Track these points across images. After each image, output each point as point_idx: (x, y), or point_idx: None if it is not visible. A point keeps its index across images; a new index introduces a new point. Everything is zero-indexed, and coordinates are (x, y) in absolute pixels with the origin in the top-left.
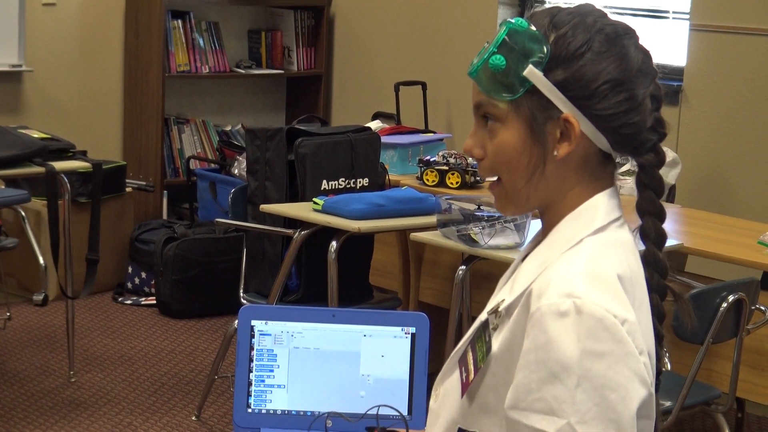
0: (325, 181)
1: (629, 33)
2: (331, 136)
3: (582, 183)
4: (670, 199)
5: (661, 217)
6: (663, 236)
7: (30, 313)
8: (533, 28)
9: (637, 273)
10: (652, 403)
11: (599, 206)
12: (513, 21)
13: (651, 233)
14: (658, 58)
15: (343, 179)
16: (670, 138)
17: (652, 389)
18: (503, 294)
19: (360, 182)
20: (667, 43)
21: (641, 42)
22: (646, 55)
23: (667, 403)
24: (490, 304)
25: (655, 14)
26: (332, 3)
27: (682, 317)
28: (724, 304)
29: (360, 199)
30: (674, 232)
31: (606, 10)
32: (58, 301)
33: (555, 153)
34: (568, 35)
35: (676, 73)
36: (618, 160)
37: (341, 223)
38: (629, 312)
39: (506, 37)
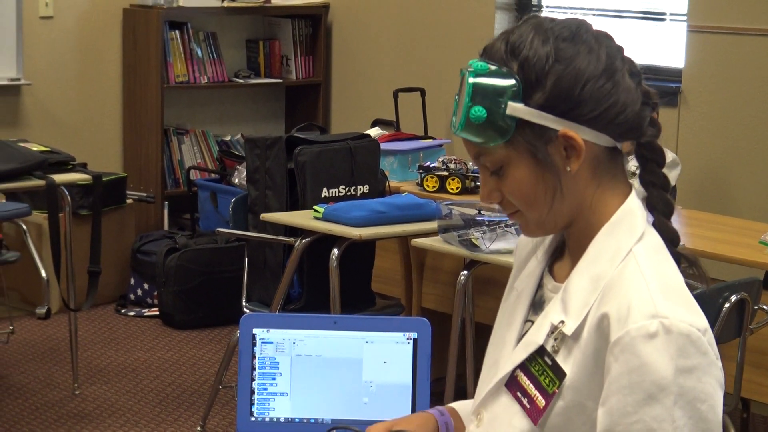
0: (325, 189)
1: (581, 25)
2: (331, 143)
3: (602, 185)
4: None
5: (666, 187)
6: (670, 205)
7: (33, 326)
8: (492, 65)
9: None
10: None
11: (635, 211)
12: (472, 68)
13: (658, 204)
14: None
15: (343, 187)
16: (669, 139)
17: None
18: (556, 314)
19: (360, 189)
20: (665, 45)
21: (594, 28)
22: (605, 37)
23: None
24: (541, 326)
25: (652, 16)
26: (329, 11)
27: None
28: (727, 305)
29: (360, 206)
30: None
31: (601, 14)
32: (60, 314)
33: (568, 169)
34: (530, 57)
35: (674, 74)
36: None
37: (342, 230)
38: (704, 318)
39: (474, 86)
